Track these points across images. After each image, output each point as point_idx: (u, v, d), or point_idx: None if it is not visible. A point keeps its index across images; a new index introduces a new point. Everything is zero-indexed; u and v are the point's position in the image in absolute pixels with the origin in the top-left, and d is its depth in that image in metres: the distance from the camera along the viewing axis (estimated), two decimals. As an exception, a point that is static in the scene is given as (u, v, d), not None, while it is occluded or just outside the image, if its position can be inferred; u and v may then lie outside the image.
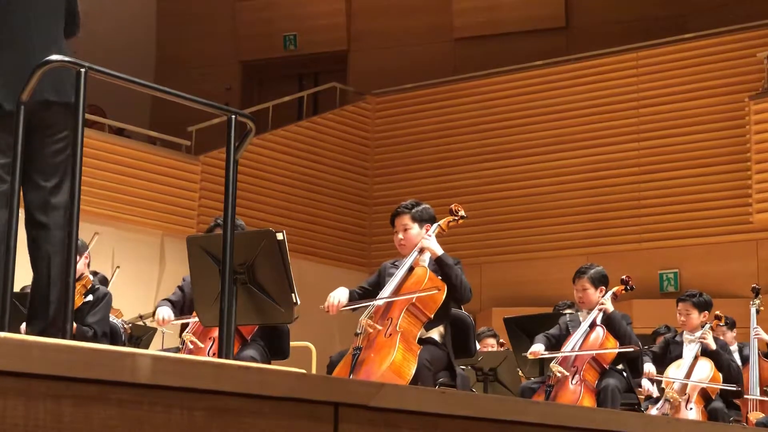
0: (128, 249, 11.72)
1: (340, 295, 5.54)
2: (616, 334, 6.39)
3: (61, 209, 3.91)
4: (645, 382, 6.86)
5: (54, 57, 3.57)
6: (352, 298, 5.60)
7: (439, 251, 5.58)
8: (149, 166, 12.49)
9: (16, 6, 3.98)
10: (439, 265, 5.55)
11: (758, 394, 7.99)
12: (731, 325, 8.46)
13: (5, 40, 3.85)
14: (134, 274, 11.22)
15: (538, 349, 6.43)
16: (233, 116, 3.80)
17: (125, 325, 7.46)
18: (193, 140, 13.37)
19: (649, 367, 7.01)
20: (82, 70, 3.49)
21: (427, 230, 5.67)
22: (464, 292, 5.53)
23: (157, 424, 1.95)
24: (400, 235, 5.68)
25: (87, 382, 1.86)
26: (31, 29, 4.00)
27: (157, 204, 12.53)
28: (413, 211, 5.68)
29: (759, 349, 8.47)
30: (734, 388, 6.97)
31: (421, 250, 5.64)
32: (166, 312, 6.01)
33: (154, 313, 6.17)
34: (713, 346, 7.08)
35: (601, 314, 6.52)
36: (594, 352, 6.32)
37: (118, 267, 6.68)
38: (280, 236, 4.70)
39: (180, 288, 6.33)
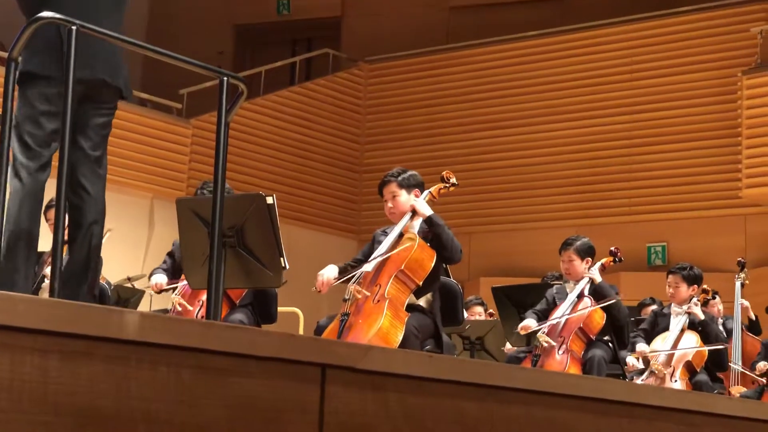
0: (118, 211, 11.64)
1: (328, 273, 5.52)
2: (617, 316, 6.46)
3: (103, 180, 4.14)
4: (630, 359, 6.86)
5: (45, 14, 3.54)
6: (345, 272, 5.58)
7: (429, 212, 5.57)
8: (140, 129, 12.44)
9: None
10: (428, 225, 5.53)
11: (740, 365, 8.03)
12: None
13: (72, 13, 3.85)
14: (123, 236, 11.19)
15: (529, 323, 6.44)
16: (225, 78, 3.79)
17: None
18: (185, 103, 13.33)
19: (641, 347, 7.01)
20: (74, 27, 3.46)
21: (417, 196, 5.66)
22: (454, 252, 5.51)
23: (143, 381, 1.95)
24: (390, 203, 5.67)
25: (74, 337, 1.86)
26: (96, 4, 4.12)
27: (147, 167, 12.51)
28: (400, 178, 5.66)
29: (742, 322, 8.52)
30: (720, 347, 6.99)
31: (412, 217, 5.63)
32: (160, 277, 6.19)
33: (150, 278, 6.29)
34: (701, 316, 7.09)
35: (589, 285, 6.54)
36: (585, 311, 6.35)
37: (110, 230, 6.65)
38: (270, 200, 4.70)
39: (170, 254, 6.37)
